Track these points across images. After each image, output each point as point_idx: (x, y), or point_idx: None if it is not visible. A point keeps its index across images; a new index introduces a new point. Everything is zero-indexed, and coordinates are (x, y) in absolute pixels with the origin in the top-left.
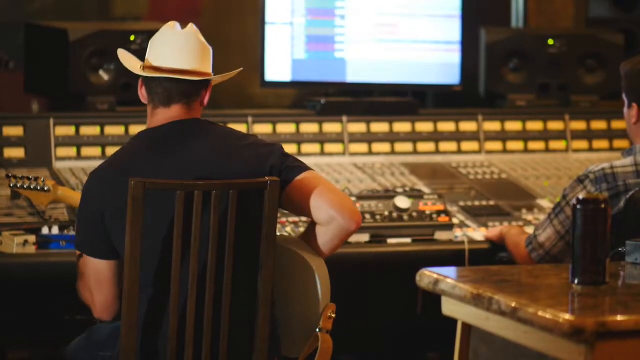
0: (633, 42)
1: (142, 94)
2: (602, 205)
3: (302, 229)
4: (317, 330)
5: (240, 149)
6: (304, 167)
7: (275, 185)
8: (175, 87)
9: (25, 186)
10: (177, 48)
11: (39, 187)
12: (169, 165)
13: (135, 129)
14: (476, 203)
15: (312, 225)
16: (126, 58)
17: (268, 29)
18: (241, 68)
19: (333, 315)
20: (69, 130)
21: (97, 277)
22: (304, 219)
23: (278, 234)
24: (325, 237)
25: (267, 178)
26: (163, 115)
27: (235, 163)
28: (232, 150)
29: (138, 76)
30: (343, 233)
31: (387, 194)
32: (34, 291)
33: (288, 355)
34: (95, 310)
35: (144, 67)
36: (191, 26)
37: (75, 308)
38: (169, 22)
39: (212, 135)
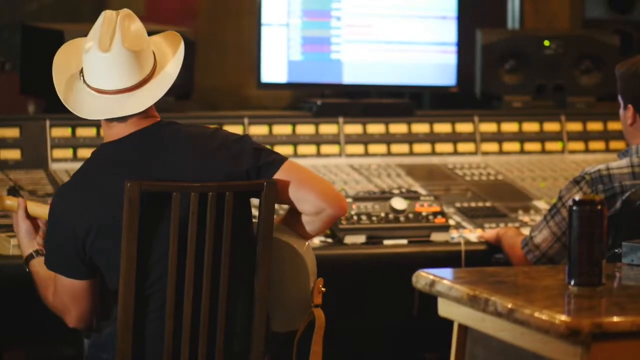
0: (629, 43)
1: None
2: (599, 207)
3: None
4: (312, 306)
5: (212, 152)
6: (280, 159)
7: (272, 187)
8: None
9: None
10: (112, 72)
11: None
12: (143, 177)
13: None
14: (472, 204)
15: (294, 213)
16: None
17: (264, 31)
18: (175, 32)
19: (323, 289)
20: (66, 132)
21: (73, 294)
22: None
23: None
24: (313, 225)
25: (264, 180)
26: (120, 129)
27: (209, 168)
28: (204, 155)
29: None
30: (332, 220)
31: (384, 196)
32: (30, 292)
33: (282, 330)
34: (71, 321)
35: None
36: (118, 41)
37: None
38: (90, 39)
39: (180, 141)
